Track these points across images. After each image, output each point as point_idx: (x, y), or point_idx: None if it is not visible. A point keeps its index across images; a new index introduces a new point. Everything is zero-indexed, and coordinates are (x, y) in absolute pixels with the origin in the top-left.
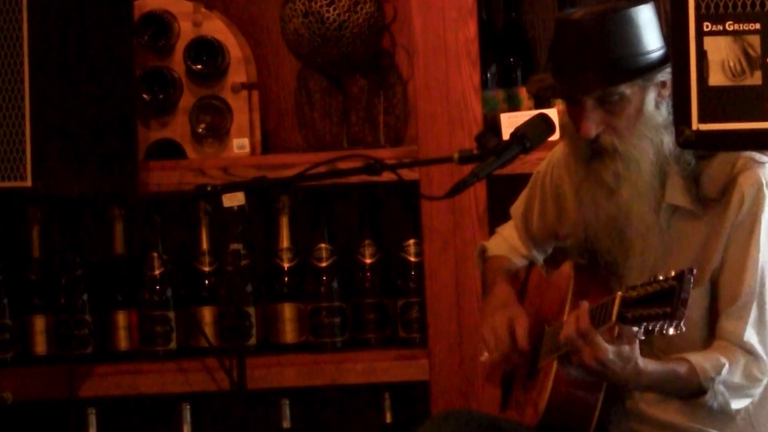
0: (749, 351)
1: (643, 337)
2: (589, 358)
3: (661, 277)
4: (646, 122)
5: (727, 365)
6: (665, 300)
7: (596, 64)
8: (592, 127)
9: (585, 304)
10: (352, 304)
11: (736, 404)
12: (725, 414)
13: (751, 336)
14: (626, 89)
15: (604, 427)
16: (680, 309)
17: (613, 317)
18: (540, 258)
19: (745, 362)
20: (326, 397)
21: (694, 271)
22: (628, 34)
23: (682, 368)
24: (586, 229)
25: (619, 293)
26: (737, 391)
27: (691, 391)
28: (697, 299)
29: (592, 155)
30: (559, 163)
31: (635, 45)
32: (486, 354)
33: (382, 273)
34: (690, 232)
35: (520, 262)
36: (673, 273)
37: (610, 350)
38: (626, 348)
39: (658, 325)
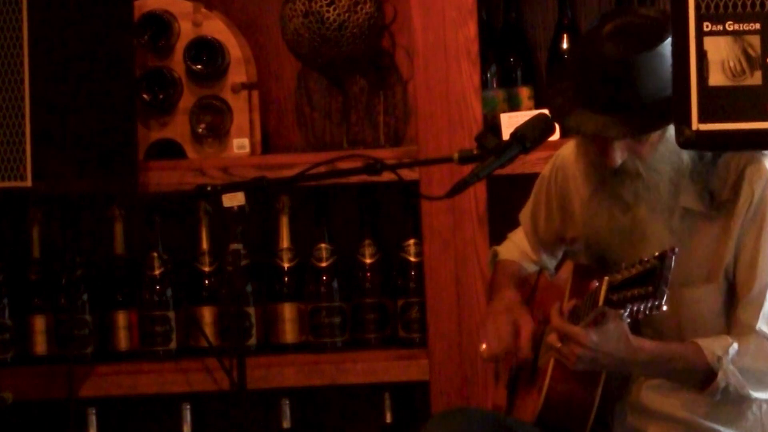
0: (763, 337)
1: (629, 320)
2: (574, 349)
3: (645, 259)
4: (667, 144)
5: (735, 344)
6: (648, 280)
7: (629, 107)
8: (618, 156)
9: (556, 305)
10: (352, 304)
11: (755, 391)
12: (734, 408)
13: (763, 325)
14: None
15: (607, 424)
16: (662, 288)
17: (600, 301)
18: (550, 264)
19: (756, 344)
20: (326, 397)
21: (676, 249)
22: (660, 72)
23: (687, 348)
24: (595, 234)
25: (606, 278)
26: (752, 375)
27: (701, 377)
28: (710, 296)
29: (612, 173)
30: (563, 166)
31: (668, 84)
32: (484, 346)
33: (382, 273)
34: (702, 232)
35: (530, 268)
36: (656, 253)
37: (590, 332)
38: (611, 325)
39: (642, 306)
